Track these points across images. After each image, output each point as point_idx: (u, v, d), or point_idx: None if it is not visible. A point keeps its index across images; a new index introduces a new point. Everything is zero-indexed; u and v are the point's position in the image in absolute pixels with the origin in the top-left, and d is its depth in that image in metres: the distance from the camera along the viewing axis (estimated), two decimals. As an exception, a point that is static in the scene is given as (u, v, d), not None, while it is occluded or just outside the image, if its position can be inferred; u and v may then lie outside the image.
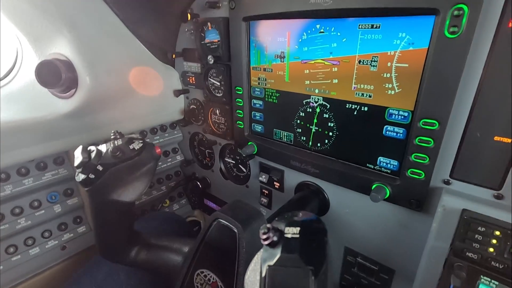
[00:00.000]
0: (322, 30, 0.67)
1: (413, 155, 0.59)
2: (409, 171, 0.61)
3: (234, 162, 1.11)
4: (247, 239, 0.54)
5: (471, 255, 0.53)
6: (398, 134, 0.62)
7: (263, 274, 0.29)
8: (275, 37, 0.76)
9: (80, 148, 0.53)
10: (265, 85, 0.84)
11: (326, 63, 0.69)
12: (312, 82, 0.73)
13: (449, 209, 0.55)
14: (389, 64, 0.59)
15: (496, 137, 0.51)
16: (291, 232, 0.31)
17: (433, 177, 0.59)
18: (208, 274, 0.60)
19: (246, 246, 0.54)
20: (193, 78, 1.07)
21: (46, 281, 0.98)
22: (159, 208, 1.25)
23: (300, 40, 0.71)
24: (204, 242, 0.61)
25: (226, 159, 1.13)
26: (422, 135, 0.57)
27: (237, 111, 0.92)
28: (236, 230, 0.55)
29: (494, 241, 0.50)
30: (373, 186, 0.66)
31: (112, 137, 0.56)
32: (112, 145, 0.55)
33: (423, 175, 0.59)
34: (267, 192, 1.00)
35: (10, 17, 0.75)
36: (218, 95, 1.00)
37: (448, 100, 0.52)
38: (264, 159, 0.94)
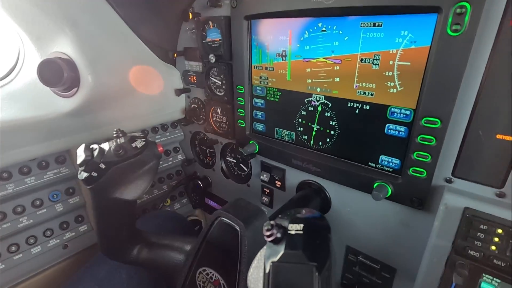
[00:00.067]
0: (324, 29, 0.67)
1: (415, 154, 0.59)
2: (411, 169, 0.61)
3: (235, 161, 1.11)
4: (249, 237, 0.54)
5: (473, 253, 0.53)
6: (400, 133, 0.62)
7: (267, 271, 0.29)
8: (276, 36, 0.76)
9: (82, 146, 0.53)
10: (267, 84, 0.84)
11: (328, 61, 0.69)
12: (313, 80, 0.73)
13: (451, 207, 0.55)
14: (391, 62, 0.59)
15: (498, 135, 0.51)
16: (295, 228, 0.31)
17: (435, 175, 0.59)
18: (210, 272, 0.60)
19: (248, 244, 0.54)
20: (195, 77, 1.07)
21: (48, 280, 0.98)
22: (160, 207, 1.25)
23: (301, 38, 0.71)
24: (206, 240, 0.61)
25: (227, 158, 1.13)
26: (424, 133, 0.57)
27: (239, 110, 0.92)
28: (238, 228, 0.56)
29: (496, 239, 0.51)
30: (375, 185, 0.66)
31: (114, 135, 0.56)
32: (114, 143, 0.55)
33: (425, 174, 0.59)
34: (268, 191, 1.00)
35: (12, 15, 0.75)
36: (220, 94, 1.00)
37: (450, 98, 0.52)
38: (265, 158, 0.94)
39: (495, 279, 0.51)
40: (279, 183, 0.93)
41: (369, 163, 0.69)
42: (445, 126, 0.54)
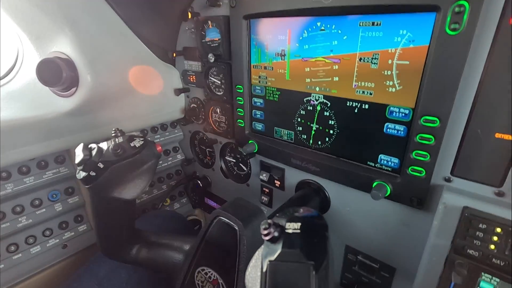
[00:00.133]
0: (322, 28, 0.67)
1: (414, 153, 0.59)
2: (410, 168, 0.61)
3: (234, 160, 1.11)
4: (248, 237, 0.54)
5: (472, 252, 0.53)
6: (399, 132, 0.62)
7: (264, 270, 0.29)
8: (275, 35, 0.76)
9: (81, 146, 0.53)
10: (266, 84, 0.84)
11: (326, 61, 0.68)
12: (312, 80, 0.73)
13: (450, 206, 0.55)
14: (390, 61, 0.59)
15: (497, 134, 0.50)
16: (292, 227, 0.31)
17: (434, 174, 0.59)
18: (209, 272, 0.60)
19: (247, 243, 0.54)
20: (194, 76, 1.07)
21: (47, 280, 0.98)
22: (160, 207, 1.25)
23: (300, 38, 0.71)
24: (205, 240, 0.61)
25: (226, 157, 1.13)
26: (423, 132, 0.57)
27: (238, 109, 0.92)
28: (237, 228, 0.55)
29: (495, 238, 0.50)
30: (374, 184, 0.66)
31: (113, 134, 0.56)
32: (113, 143, 0.55)
33: (424, 173, 0.59)
34: (267, 190, 1.00)
35: (12, 15, 0.75)
36: (219, 93, 1.00)
37: (449, 97, 0.52)
38: (264, 158, 0.94)
39: (494, 278, 0.51)
40: (278, 183, 0.93)
41: (368, 163, 0.69)
42: (444, 125, 0.54)
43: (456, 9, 0.48)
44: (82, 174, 0.54)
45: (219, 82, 0.98)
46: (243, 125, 0.93)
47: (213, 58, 0.90)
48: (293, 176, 0.88)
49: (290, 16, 0.71)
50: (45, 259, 0.97)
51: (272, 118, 0.87)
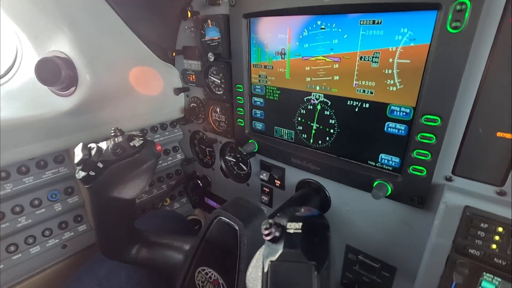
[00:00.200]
0: (323, 27, 0.66)
1: (415, 152, 0.59)
2: (410, 168, 0.60)
3: (234, 160, 1.10)
4: (248, 236, 0.54)
5: (474, 252, 0.53)
6: (400, 131, 0.62)
7: (266, 270, 0.29)
8: (275, 34, 0.76)
9: (80, 146, 0.53)
10: (266, 83, 0.83)
11: (327, 59, 0.68)
12: (313, 79, 0.72)
13: (451, 206, 0.55)
14: (390, 60, 0.58)
15: (498, 133, 0.50)
16: (293, 227, 0.31)
17: (435, 173, 0.59)
18: (210, 272, 0.59)
19: (247, 243, 0.54)
20: (193, 76, 1.07)
21: (47, 280, 0.98)
22: (160, 207, 1.25)
23: (300, 36, 0.71)
24: (205, 239, 0.60)
25: (226, 157, 1.13)
26: (424, 131, 0.56)
27: (238, 109, 0.92)
28: (237, 228, 0.55)
29: (496, 237, 0.50)
30: (375, 183, 0.65)
31: (112, 134, 0.56)
32: (112, 142, 0.55)
33: (425, 172, 0.59)
34: (268, 190, 0.99)
35: (10, 14, 0.74)
36: (219, 93, 1.00)
37: (450, 96, 0.52)
38: (265, 157, 0.93)
39: (495, 277, 0.50)
40: (279, 182, 0.93)
41: (368, 162, 0.69)
42: (445, 124, 0.54)
43: (458, 7, 0.47)
44: (82, 174, 0.53)
45: (219, 81, 0.98)
46: (243, 124, 0.93)
47: (212, 57, 0.90)
48: (294, 176, 0.88)
49: (290, 15, 0.71)
50: (45, 259, 0.97)
51: (272, 118, 0.86)
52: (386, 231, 0.72)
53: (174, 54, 1.07)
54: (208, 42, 0.93)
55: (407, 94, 0.58)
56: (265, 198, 1.00)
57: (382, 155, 0.66)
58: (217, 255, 0.59)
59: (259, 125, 0.91)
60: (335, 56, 0.66)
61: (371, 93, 0.63)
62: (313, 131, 0.77)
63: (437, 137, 0.55)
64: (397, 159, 0.64)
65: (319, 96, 0.73)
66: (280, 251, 0.29)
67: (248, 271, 0.36)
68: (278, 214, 0.34)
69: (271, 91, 0.83)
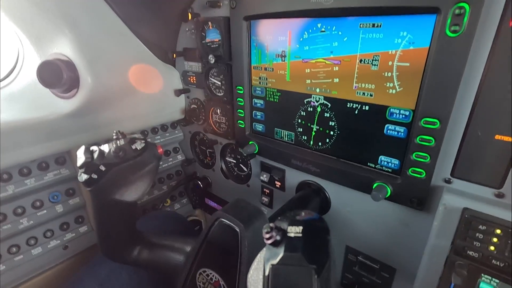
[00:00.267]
0: (323, 29, 0.67)
1: (414, 154, 0.59)
2: (410, 170, 0.61)
3: (235, 161, 1.11)
4: (249, 238, 0.54)
5: (472, 253, 0.53)
6: (399, 133, 0.62)
7: (267, 273, 0.30)
8: (276, 36, 0.76)
9: (82, 148, 0.54)
10: (266, 85, 0.84)
11: (327, 62, 0.69)
12: (313, 81, 0.73)
13: (450, 207, 0.55)
14: (390, 63, 0.59)
15: (497, 135, 0.51)
16: (294, 231, 0.31)
17: (434, 175, 0.59)
18: (211, 273, 0.60)
19: (248, 245, 0.54)
20: (194, 77, 1.07)
21: (48, 281, 0.98)
22: (160, 208, 1.25)
23: (301, 39, 0.71)
24: (206, 241, 0.61)
25: (227, 158, 1.13)
26: (423, 134, 0.57)
27: (238, 110, 0.92)
28: (238, 229, 0.56)
29: (495, 239, 0.51)
30: (374, 185, 0.66)
31: (114, 137, 0.56)
32: (114, 145, 0.55)
33: (424, 174, 0.59)
34: (268, 191, 1.00)
35: (11, 17, 0.75)
36: (219, 94, 1.00)
37: (449, 99, 0.52)
38: (265, 158, 0.94)
39: (494, 279, 0.51)
40: (279, 184, 0.94)
41: (368, 164, 0.69)
42: (444, 126, 0.54)
43: (457, 11, 0.48)
44: (84, 177, 0.54)
45: (220, 83, 0.98)
46: (243, 126, 0.93)
47: (213, 59, 0.90)
48: (294, 177, 0.89)
49: (291, 17, 0.71)
50: (46, 260, 0.97)
51: (272, 119, 0.87)
52: (386, 232, 0.73)
53: (174, 55, 1.08)
54: (208, 44, 0.93)
55: (406, 97, 0.59)
56: (265, 199, 1.01)
57: (382, 157, 0.67)
58: (218, 257, 0.60)
59: (259, 127, 0.91)
60: (335, 58, 0.67)
61: (371, 95, 0.64)
62: (313, 133, 0.78)
63: (436, 140, 0.56)
64: (396, 161, 0.65)
65: (319, 98, 0.73)
66: (281, 255, 0.30)
67: (249, 273, 0.37)
68: (279, 218, 0.34)
69: (271, 93, 0.83)
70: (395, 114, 0.62)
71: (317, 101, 0.74)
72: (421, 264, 0.61)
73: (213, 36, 0.91)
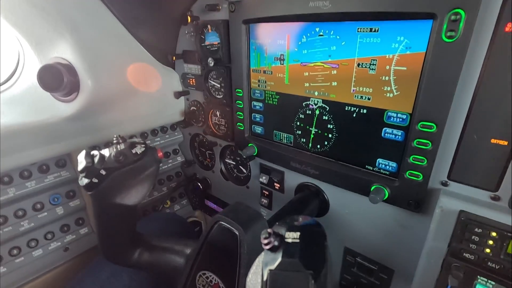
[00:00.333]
0: (321, 33, 0.67)
1: (411, 157, 0.60)
2: (407, 172, 0.62)
3: (234, 163, 1.11)
4: (248, 242, 0.55)
5: (468, 255, 0.54)
6: (397, 136, 0.63)
7: (265, 278, 0.30)
8: (274, 40, 0.77)
9: (83, 153, 0.54)
10: (265, 87, 0.84)
11: (325, 66, 0.69)
12: (311, 84, 0.73)
13: (447, 210, 0.56)
14: (387, 67, 0.59)
15: (492, 139, 0.51)
16: (292, 237, 0.32)
17: (431, 178, 0.60)
18: (210, 276, 0.61)
19: (247, 248, 0.55)
20: (193, 80, 1.08)
21: (49, 282, 0.99)
22: (160, 209, 1.26)
23: (299, 43, 0.72)
24: (206, 244, 0.62)
25: (226, 160, 1.14)
26: (420, 137, 0.58)
27: (237, 112, 0.93)
28: (237, 232, 0.56)
29: (490, 242, 0.51)
30: (372, 188, 0.67)
31: (114, 141, 0.57)
32: (115, 150, 0.56)
33: (421, 177, 0.60)
34: (267, 193, 1.00)
35: (12, 22, 0.75)
36: (219, 97, 1.01)
37: (446, 103, 0.53)
38: (264, 161, 0.94)
39: (489, 281, 0.52)
40: (278, 185, 0.94)
41: (366, 166, 0.70)
42: (440, 130, 0.55)
43: (452, 17, 0.48)
44: (85, 181, 0.54)
45: (219, 86, 0.99)
46: (242, 128, 0.94)
47: (212, 62, 0.90)
48: (293, 179, 0.89)
49: (289, 21, 0.72)
50: (47, 262, 0.98)
51: (271, 122, 0.87)
52: (384, 234, 0.73)
53: (174, 58, 1.08)
54: (208, 47, 0.94)
55: (403, 101, 0.60)
56: (264, 200, 1.01)
57: (380, 160, 0.67)
58: (218, 259, 0.60)
59: (258, 129, 0.92)
60: (333, 62, 0.67)
61: (369, 99, 0.64)
62: (312, 136, 0.79)
63: (433, 143, 0.57)
64: (394, 164, 0.65)
65: (318, 101, 0.74)
66: (279, 260, 0.31)
67: (248, 277, 0.37)
68: (277, 223, 0.35)
69: (270, 95, 0.84)
70: (392, 118, 0.62)
71: (315, 104, 0.75)
72: (418, 266, 0.62)
73: (213, 39, 0.91)
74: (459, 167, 0.57)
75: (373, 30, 0.60)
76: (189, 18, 0.94)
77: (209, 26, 0.91)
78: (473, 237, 0.53)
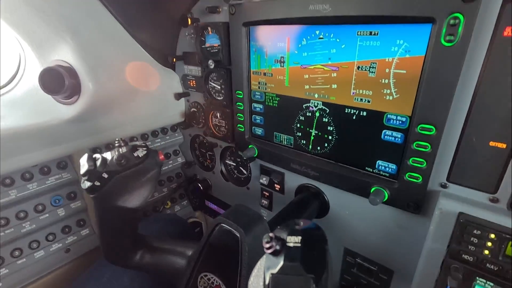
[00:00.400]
0: (321, 36, 0.68)
1: (410, 159, 0.61)
2: (407, 174, 0.62)
3: (235, 164, 1.12)
4: (249, 243, 0.55)
5: (467, 257, 0.54)
6: (396, 139, 0.63)
7: (267, 282, 0.31)
8: (274, 42, 0.77)
9: (85, 156, 0.55)
10: (265, 89, 0.85)
11: (325, 68, 0.70)
12: (311, 87, 0.74)
13: (446, 212, 0.57)
14: (387, 70, 0.60)
15: (491, 142, 0.52)
16: (293, 241, 0.33)
17: (431, 180, 0.60)
18: (212, 277, 0.61)
19: (248, 250, 0.55)
20: (194, 81, 1.08)
21: (51, 284, 0.99)
22: (161, 210, 1.26)
23: (299, 45, 0.72)
24: (207, 246, 0.62)
25: (227, 161, 1.14)
26: (420, 140, 0.58)
27: (238, 114, 0.93)
28: (238, 234, 0.57)
29: (489, 243, 0.52)
30: (372, 189, 0.67)
31: (116, 144, 0.57)
32: (116, 153, 0.56)
33: (421, 179, 0.60)
34: (267, 194, 1.01)
35: (13, 25, 0.75)
36: (219, 98, 1.01)
37: (445, 106, 0.54)
38: (264, 162, 0.95)
39: (488, 282, 0.52)
40: (278, 187, 0.95)
41: (366, 168, 0.71)
42: (440, 133, 0.56)
43: (451, 22, 0.49)
44: (87, 184, 0.55)
45: (219, 87, 0.99)
46: (243, 129, 0.94)
47: (213, 64, 0.91)
48: (293, 180, 0.90)
49: (289, 24, 0.72)
50: (49, 263, 0.99)
51: (271, 123, 0.88)
52: (384, 235, 0.74)
53: (174, 60, 1.08)
54: (208, 48, 0.94)
55: (403, 104, 0.60)
56: (265, 201, 1.02)
57: (379, 162, 0.68)
58: (219, 261, 0.61)
59: (258, 131, 0.92)
60: (333, 65, 0.68)
61: (368, 101, 0.65)
62: (312, 138, 0.79)
63: (432, 146, 0.57)
64: (393, 166, 0.66)
65: (318, 103, 0.74)
66: (280, 264, 0.31)
67: (249, 280, 0.38)
68: (278, 227, 0.35)
69: (270, 97, 0.84)
70: (392, 120, 0.63)
71: (315, 106, 0.75)
72: (418, 267, 0.63)
73: (213, 41, 0.92)
74: (458, 169, 0.57)
75: (372, 33, 0.60)
76: (189, 20, 0.95)
77: (209, 28, 0.91)
78: (472, 238, 0.53)
